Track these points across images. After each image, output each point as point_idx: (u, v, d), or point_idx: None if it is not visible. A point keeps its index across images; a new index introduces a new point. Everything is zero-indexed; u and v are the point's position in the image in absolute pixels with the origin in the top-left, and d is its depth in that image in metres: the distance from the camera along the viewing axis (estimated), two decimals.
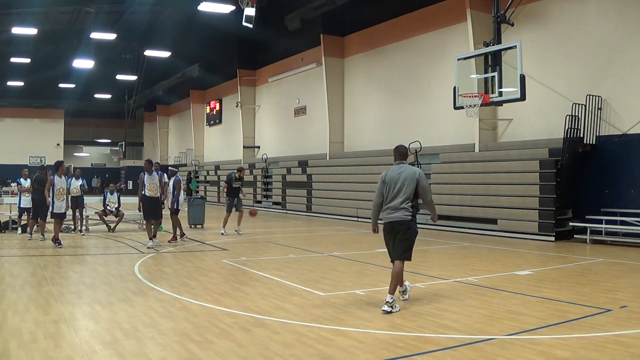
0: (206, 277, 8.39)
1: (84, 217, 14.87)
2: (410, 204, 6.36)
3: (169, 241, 12.53)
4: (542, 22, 14.89)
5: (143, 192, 11.61)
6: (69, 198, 12.73)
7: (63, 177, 12.07)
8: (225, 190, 14.96)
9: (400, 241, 6.35)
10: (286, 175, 24.84)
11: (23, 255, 10.79)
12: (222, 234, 14.39)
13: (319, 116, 23.84)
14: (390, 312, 6.05)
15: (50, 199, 11.66)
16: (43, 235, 12.46)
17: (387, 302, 6.11)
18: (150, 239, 11.77)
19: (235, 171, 15.11)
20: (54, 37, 33.04)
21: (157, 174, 11.82)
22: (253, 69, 30.09)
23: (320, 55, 23.08)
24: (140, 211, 12.47)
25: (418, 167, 17.33)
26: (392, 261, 6.43)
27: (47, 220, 12.48)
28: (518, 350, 4.77)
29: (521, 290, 7.37)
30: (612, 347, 4.86)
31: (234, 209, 14.82)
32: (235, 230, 14.74)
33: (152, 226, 11.89)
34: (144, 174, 11.64)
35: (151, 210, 11.76)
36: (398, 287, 6.46)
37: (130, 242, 12.70)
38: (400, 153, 6.65)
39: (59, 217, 11.92)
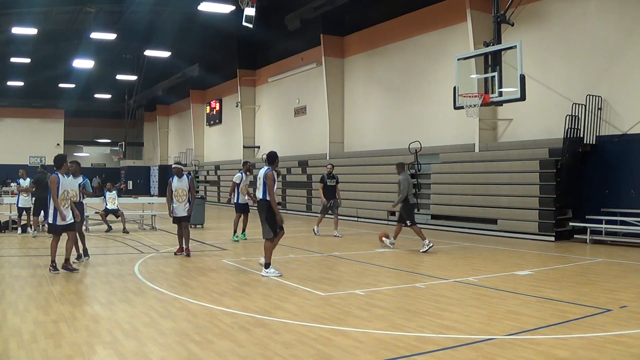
0: (206, 277, 8.39)
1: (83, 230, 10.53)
2: None
3: (175, 253, 10.67)
4: (542, 22, 14.88)
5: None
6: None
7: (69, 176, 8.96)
8: (321, 191, 13.69)
9: None
10: (286, 175, 24.83)
11: (23, 255, 10.79)
12: (315, 233, 14.21)
13: (319, 116, 23.83)
14: None
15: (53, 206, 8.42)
16: (35, 230, 13.11)
17: None
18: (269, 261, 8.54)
19: (328, 167, 14.09)
20: (54, 37, 32.94)
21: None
22: (253, 69, 30.08)
23: (320, 55, 23.06)
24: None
25: (418, 167, 17.45)
26: None
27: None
28: (518, 350, 4.77)
29: (521, 290, 7.37)
30: (612, 347, 4.86)
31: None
32: (335, 235, 13.95)
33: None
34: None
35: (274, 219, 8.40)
36: None
37: (130, 242, 12.69)
38: None
39: (68, 229, 8.58)
